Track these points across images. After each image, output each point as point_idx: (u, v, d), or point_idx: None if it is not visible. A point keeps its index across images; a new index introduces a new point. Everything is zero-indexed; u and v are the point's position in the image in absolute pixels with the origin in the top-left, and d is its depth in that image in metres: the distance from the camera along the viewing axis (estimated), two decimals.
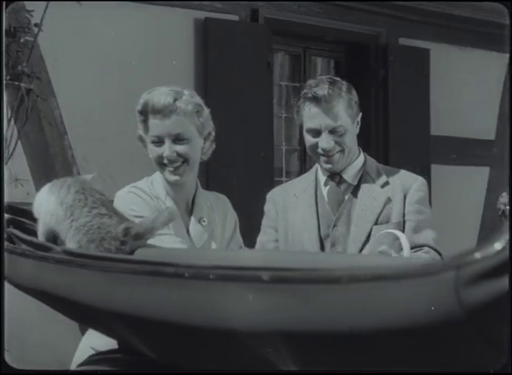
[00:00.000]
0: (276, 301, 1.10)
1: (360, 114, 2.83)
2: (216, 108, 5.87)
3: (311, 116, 2.77)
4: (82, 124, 5.13)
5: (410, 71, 6.66)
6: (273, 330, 1.11)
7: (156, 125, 2.44)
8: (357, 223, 2.79)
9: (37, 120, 4.80)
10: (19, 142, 4.75)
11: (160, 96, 2.44)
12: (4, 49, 2.39)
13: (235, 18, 6.01)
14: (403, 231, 2.74)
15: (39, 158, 4.82)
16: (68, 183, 1.96)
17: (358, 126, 2.83)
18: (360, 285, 1.09)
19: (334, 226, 2.82)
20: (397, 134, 6.55)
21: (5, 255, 1.69)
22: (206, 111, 2.59)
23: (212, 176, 5.83)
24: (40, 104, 4.70)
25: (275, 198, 2.94)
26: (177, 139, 2.45)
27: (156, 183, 2.47)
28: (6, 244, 1.71)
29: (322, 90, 2.74)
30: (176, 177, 2.42)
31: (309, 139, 2.80)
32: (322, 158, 2.81)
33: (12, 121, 4.72)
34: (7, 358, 1.98)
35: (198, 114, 2.53)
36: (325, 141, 2.76)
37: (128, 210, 2.20)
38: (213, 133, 2.67)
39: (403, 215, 2.81)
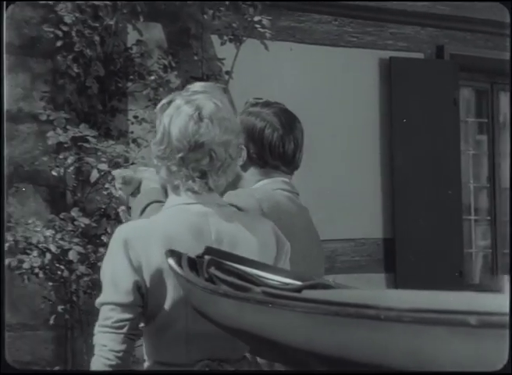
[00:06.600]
0: (482, 345, 1.09)
1: None
2: (402, 145, 5.87)
3: None
4: None
5: None
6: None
7: None
8: None
9: None
10: None
11: None
12: (4, 50, 2.39)
13: (420, 56, 5.98)
14: None
15: None
16: None
17: None
18: None
19: None
20: None
21: (207, 295, 1.76)
22: None
23: (398, 212, 5.79)
24: None
25: None
26: None
27: None
28: (208, 284, 1.78)
29: None
30: None
31: None
32: None
33: None
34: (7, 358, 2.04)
35: None
36: None
37: None
38: None
39: None
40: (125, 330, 1.93)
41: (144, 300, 1.95)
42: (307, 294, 1.71)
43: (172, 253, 1.94)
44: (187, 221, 1.97)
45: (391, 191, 5.81)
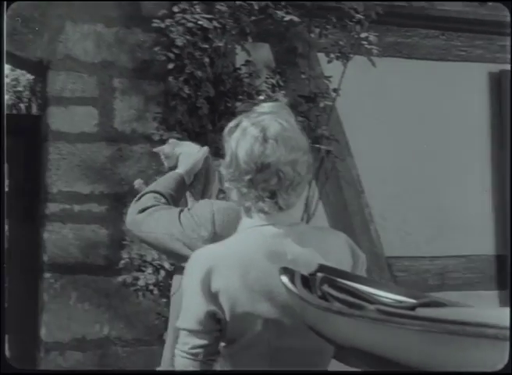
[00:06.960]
0: None
1: None
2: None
3: None
4: (378, 182, 5.24)
5: None
6: None
7: None
8: None
9: (336, 180, 4.98)
10: (320, 202, 4.95)
11: None
12: (4, 51, 2.40)
13: None
14: None
15: (338, 217, 4.99)
16: None
17: None
18: None
19: None
20: None
21: (321, 312, 1.77)
22: None
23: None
24: (338, 165, 4.88)
25: None
26: None
27: None
28: (321, 302, 1.79)
29: None
30: None
31: None
32: None
33: (313, 182, 4.93)
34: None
35: None
36: None
37: None
38: None
39: None
40: (200, 357, 1.94)
41: (222, 325, 1.94)
42: (422, 312, 1.70)
43: (285, 271, 1.96)
44: (262, 245, 1.97)
45: (503, 205, 5.69)
